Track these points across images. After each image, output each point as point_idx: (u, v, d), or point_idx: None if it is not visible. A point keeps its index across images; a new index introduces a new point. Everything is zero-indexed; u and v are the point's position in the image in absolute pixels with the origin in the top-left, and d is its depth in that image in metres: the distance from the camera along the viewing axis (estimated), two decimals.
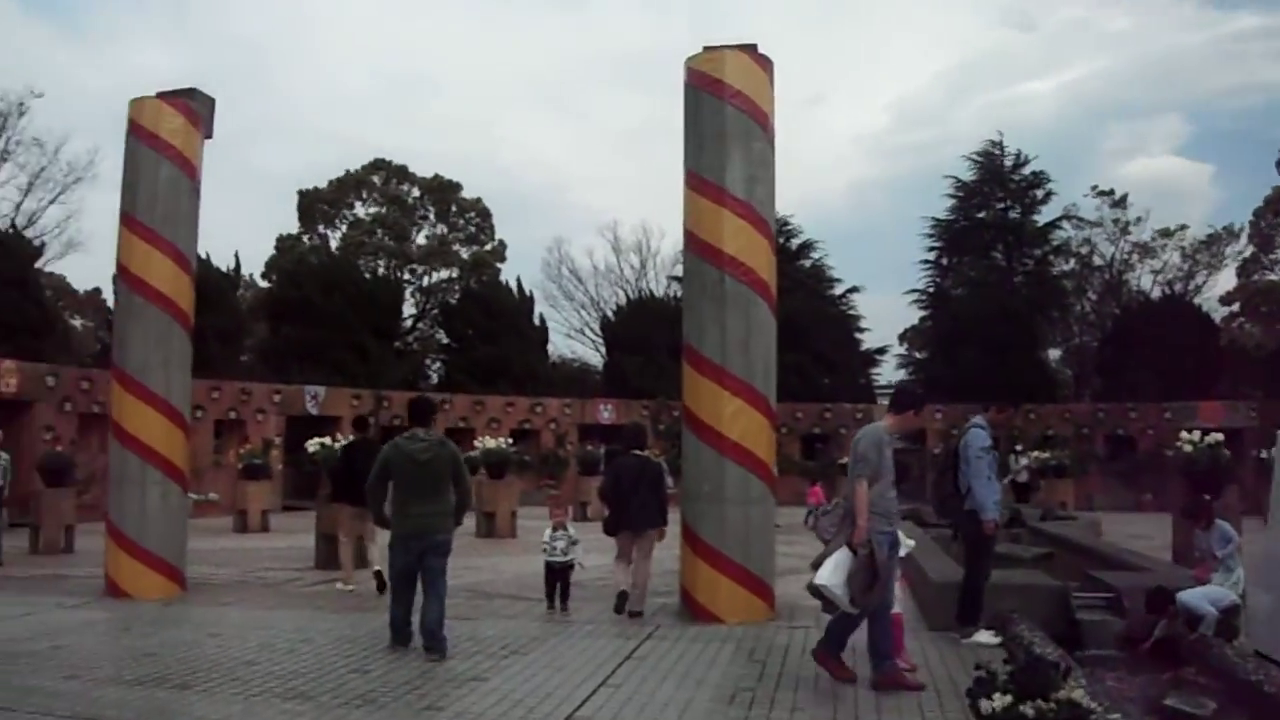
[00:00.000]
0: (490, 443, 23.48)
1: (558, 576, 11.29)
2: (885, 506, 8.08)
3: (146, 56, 79.99)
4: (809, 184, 76.65)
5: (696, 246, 11.27)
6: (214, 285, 37.70)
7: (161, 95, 13.04)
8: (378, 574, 12.34)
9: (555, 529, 11.30)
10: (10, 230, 35.77)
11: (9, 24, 70.24)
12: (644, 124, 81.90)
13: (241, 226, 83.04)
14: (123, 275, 12.86)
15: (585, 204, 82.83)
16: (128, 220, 12.80)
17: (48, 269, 43.38)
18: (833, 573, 7.85)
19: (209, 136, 13.45)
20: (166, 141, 12.77)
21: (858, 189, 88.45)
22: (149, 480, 12.41)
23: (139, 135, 12.88)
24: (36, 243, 37.73)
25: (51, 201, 42.18)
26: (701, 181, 11.19)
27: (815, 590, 8.00)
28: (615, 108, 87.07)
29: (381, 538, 10.49)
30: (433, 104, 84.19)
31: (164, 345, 12.64)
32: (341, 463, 14.24)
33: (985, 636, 9.27)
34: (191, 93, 13.26)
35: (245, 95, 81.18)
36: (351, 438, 15.20)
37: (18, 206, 40.49)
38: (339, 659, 8.82)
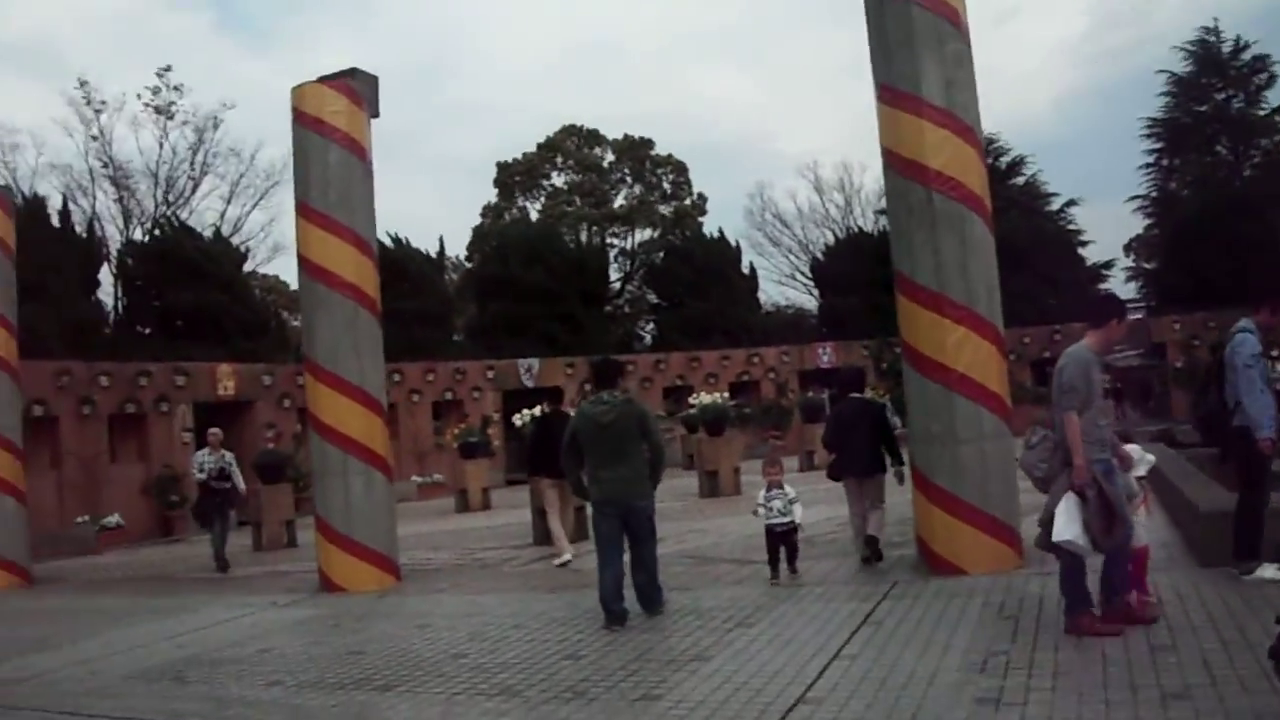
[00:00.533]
0: (705, 398, 22.74)
1: (780, 540, 10.31)
2: (1098, 434, 7.13)
3: (336, 58, 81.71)
4: (1011, 100, 73.47)
5: (898, 165, 10.00)
6: (419, 270, 38.16)
7: (323, 79, 12.73)
8: None
9: (770, 488, 10.43)
10: (214, 238, 36.66)
11: (201, 41, 72.57)
12: (834, 60, 79.81)
13: (443, 209, 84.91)
14: (303, 265, 12.58)
15: (781, 149, 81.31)
16: (303, 209, 12.53)
17: (260, 271, 44.79)
18: (1067, 524, 6.93)
19: (375, 116, 13.05)
20: (332, 125, 12.43)
21: (1062, 99, 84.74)
22: (351, 471, 12.14)
23: (304, 122, 12.59)
24: (242, 248, 38.64)
25: (253, 207, 43.45)
26: (895, 93, 9.94)
27: (1053, 547, 7.06)
28: (803, 48, 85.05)
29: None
30: (618, 69, 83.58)
31: (352, 331, 12.32)
32: (537, 434, 13.99)
33: (1271, 571, 7.98)
34: (353, 73, 12.87)
35: (434, 84, 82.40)
36: (546, 409, 14.80)
37: (222, 215, 41.72)
38: (551, 644, 8.24)
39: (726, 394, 27.57)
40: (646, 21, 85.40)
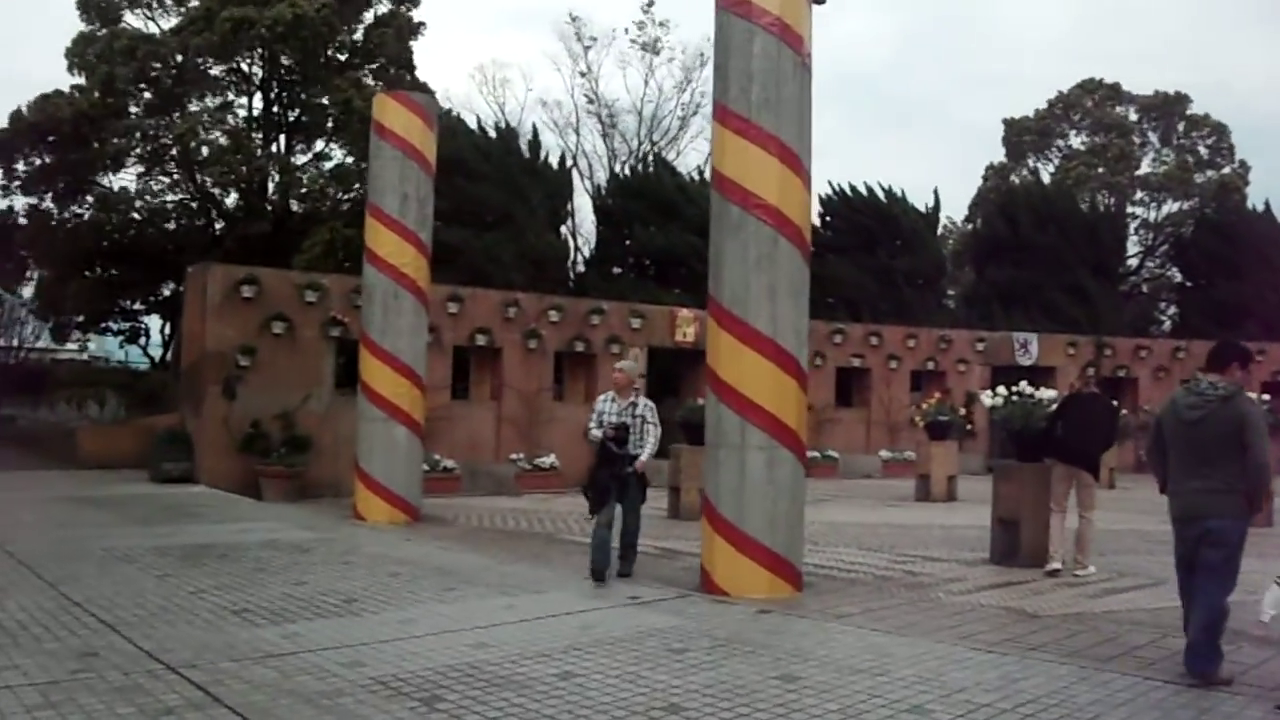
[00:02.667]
0: None
1: None
2: None
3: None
4: None
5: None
6: (912, 226, 35.11)
7: None
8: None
9: None
10: (699, 179, 35.08)
11: None
12: None
13: (947, 172, 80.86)
14: (717, 182, 10.07)
15: None
16: (719, 112, 10.03)
17: None
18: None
19: (820, 1, 10.28)
20: (760, 7, 9.76)
21: None
22: (749, 444, 9.56)
23: (726, 2, 10.03)
24: None
25: None
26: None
27: None
28: None
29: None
30: (1147, 27, 75.51)
31: (768, 267, 9.66)
32: (1056, 415, 12.15)
33: None
34: None
35: (951, 51, 78.30)
36: (1076, 384, 12.85)
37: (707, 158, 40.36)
38: None
39: (1263, 395, 22.73)
40: None
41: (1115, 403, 24.47)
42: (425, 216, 15.71)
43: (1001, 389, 13.10)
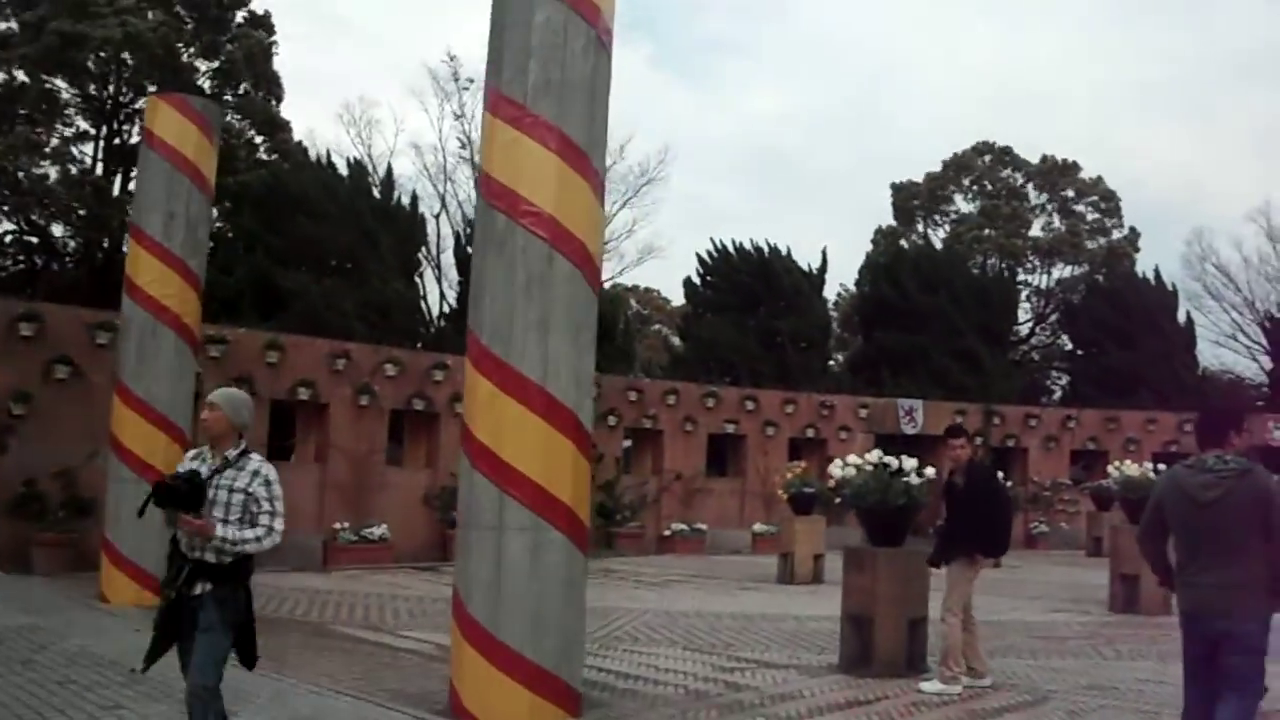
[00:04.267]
0: (1131, 469, 16.54)
1: None
2: None
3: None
4: None
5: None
6: (795, 286, 33.39)
7: None
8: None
9: None
10: None
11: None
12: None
13: (845, 239, 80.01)
14: (484, 187, 7.92)
15: (1222, 191, 71.26)
16: (491, 99, 7.87)
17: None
18: None
19: None
20: None
21: None
22: (508, 524, 7.29)
23: None
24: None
25: (622, 205, 39.78)
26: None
27: None
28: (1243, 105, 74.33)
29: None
30: (1047, 116, 75.53)
31: (540, 295, 7.47)
32: (945, 496, 9.93)
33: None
34: None
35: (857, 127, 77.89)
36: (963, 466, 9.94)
37: None
38: None
39: (1151, 464, 21.03)
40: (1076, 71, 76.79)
41: (1002, 474, 22.74)
42: (198, 241, 13.41)
43: (853, 457, 10.97)
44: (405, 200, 29.75)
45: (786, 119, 78.48)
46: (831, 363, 38.20)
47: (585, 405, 7.73)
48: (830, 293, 40.08)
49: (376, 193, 28.86)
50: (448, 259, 34.00)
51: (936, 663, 9.51)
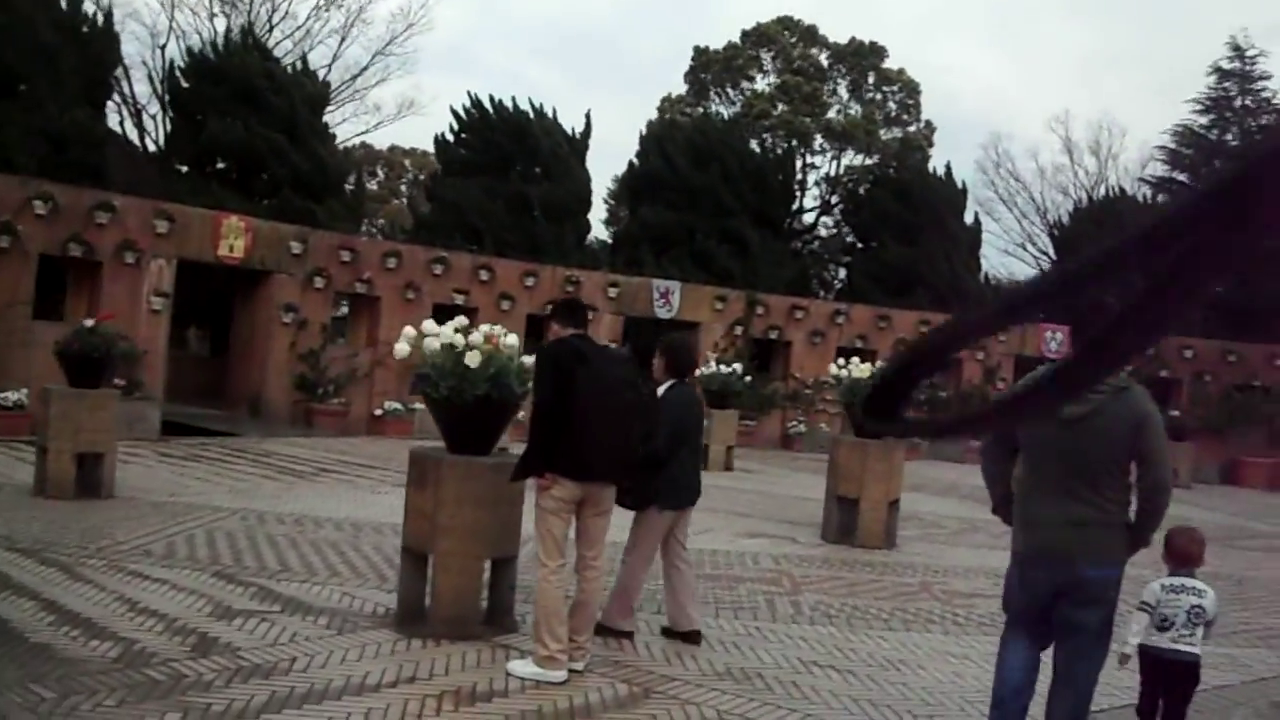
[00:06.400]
0: (861, 369, 13.70)
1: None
2: None
3: None
4: None
5: None
6: (553, 150, 30.09)
7: None
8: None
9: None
10: (301, 70, 29.08)
11: None
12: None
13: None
14: None
15: (1024, 102, 70.54)
16: None
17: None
18: None
19: None
20: None
21: None
22: None
23: None
24: (324, 83, 30.43)
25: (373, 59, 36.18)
26: None
27: None
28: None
29: None
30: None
31: None
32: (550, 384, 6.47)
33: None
34: None
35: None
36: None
37: (335, 56, 34.81)
38: None
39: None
40: None
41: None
42: None
43: (430, 324, 7.74)
44: (98, 13, 25.21)
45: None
46: (594, 238, 35.22)
47: None
48: (618, 166, 37.16)
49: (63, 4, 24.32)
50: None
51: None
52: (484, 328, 7.29)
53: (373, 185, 48.03)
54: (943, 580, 10.33)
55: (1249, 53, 37.81)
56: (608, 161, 68.83)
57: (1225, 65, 38.11)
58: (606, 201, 44.87)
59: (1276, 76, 41.07)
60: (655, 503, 7.14)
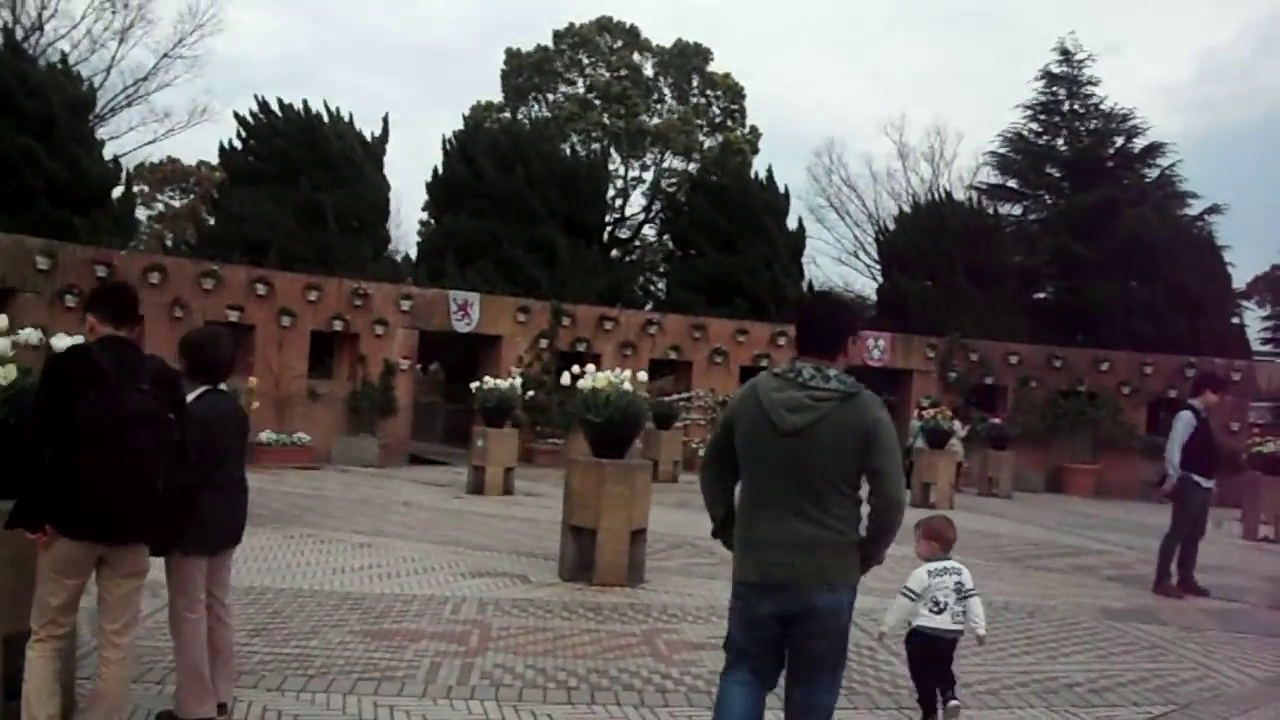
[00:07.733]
0: (599, 378, 12.21)
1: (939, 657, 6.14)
2: None
3: None
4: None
5: None
6: (345, 155, 28.42)
7: None
8: None
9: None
10: (60, 67, 26.95)
11: None
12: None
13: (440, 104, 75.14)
14: None
15: (858, 108, 70.72)
16: None
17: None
18: None
19: None
20: None
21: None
22: None
23: None
24: (88, 87, 27.93)
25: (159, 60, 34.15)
26: None
27: None
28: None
29: None
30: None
31: None
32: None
33: None
34: None
35: None
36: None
37: (114, 58, 32.76)
38: None
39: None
40: None
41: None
42: None
43: None
44: None
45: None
46: (402, 250, 33.65)
47: None
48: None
49: None
50: None
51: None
52: None
53: (175, 200, 45.74)
54: (675, 627, 9.06)
55: (1077, 56, 37.83)
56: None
57: (1055, 70, 38.05)
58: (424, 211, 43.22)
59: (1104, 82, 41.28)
60: (178, 547, 5.58)
